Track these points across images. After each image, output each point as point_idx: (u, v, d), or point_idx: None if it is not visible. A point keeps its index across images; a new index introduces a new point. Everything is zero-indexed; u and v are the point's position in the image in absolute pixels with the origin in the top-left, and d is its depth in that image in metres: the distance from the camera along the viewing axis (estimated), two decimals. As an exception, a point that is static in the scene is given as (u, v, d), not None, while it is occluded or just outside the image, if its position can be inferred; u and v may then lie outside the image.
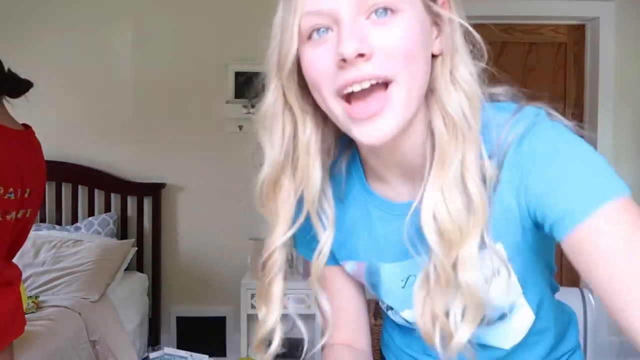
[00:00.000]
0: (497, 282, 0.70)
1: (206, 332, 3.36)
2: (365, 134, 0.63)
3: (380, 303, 0.88)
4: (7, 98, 1.69)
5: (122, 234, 3.33)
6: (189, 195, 3.39)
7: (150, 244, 3.35)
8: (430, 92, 0.66)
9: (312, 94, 0.67)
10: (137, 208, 3.34)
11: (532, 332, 0.80)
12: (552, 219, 0.62)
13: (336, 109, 0.64)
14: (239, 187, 3.65)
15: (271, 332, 0.75)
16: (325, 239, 0.74)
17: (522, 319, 0.78)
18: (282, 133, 0.70)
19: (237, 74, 3.33)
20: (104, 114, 3.38)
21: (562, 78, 3.52)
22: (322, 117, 0.70)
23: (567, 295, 2.83)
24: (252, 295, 3.10)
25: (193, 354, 2.51)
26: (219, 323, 3.34)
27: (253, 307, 3.10)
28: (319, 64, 0.63)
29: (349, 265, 0.82)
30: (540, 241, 0.72)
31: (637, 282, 0.56)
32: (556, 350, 0.85)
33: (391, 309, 0.85)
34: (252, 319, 3.28)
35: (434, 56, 0.66)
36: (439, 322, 0.65)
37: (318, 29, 0.63)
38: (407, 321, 0.84)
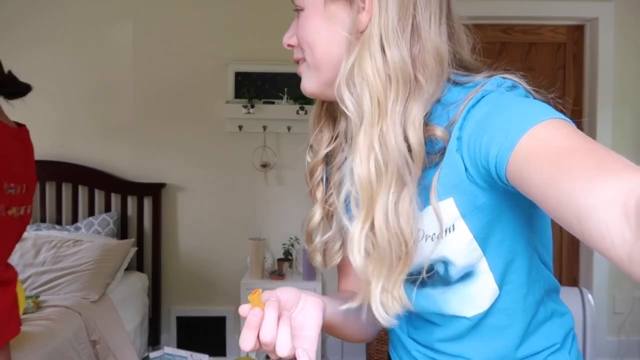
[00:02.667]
0: (452, 237, 0.72)
1: (206, 332, 3.36)
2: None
3: None
4: (6, 99, 1.70)
5: (122, 234, 3.34)
6: (189, 195, 3.39)
7: (150, 244, 3.35)
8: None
9: None
10: (137, 208, 3.35)
11: (498, 310, 0.79)
12: (493, 158, 0.62)
13: None
14: (239, 187, 3.68)
15: (315, 226, 0.86)
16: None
17: (483, 286, 0.77)
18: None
19: (237, 74, 3.33)
20: (104, 114, 3.38)
21: (561, 78, 3.52)
22: None
23: (567, 295, 2.83)
24: (252, 295, 3.10)
25: (193, 353, 2.51)
26: (219, 323, 3.34)
27: (253, 307, 3.10)
28: None
29: None
30: (511, 211, 0.72)
31: (577, 184, 0.50)
32: (529, 341, 0.81)
33: None
34: (252, 318, 3.28)
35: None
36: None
37: None
38: None
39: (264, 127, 3.31)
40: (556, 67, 3.52)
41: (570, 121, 0.61)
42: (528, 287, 0.79)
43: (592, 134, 3.42)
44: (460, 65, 0.77)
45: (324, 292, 3.12)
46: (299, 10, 0.77)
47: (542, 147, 0.56)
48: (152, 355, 2.64)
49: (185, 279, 3.40)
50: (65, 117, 3.36)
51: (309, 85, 0.79)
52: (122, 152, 3.38)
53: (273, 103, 3.28)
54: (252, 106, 3.21)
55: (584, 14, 3.42)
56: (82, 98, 3.38)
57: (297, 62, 0.81)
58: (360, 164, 0.69)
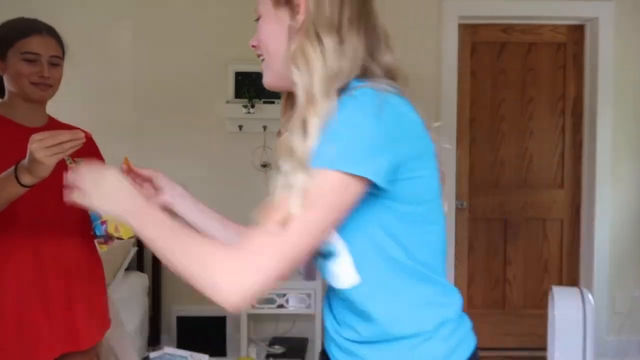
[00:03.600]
0: None
1: (206, 332, 3.36)
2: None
3: None
4: None
5: (122, 234, 3.33)
6: (189, 195, 3.38)
7: (150, 244, 3.35)
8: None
9: None
10: (137, 208, 3.34)
11: (358, 292, 0.91)
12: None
13: None
14: (239, 187, 3.68)
15: None
16: None
17: (343, 268, 0.90)
18: None
19: (237, 74, 3.33)
20: (104, 114, 3.38)
21: (561, 78, 3.52)
22: None
23: (567, 296, 2.85)
24: (252, 295, 3.10)
25: (193, 353, 2.51)
26: (219, 323, 3.34)
27: (253, 306, 3.10)
28: None
29: None
30: (367, 204, 0.85)
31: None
32: (400, 323, 0.91)
33: None
34: (252, 318, 3.28)
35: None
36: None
37: None
38: None
39: (264, 127, 3.31)
40: (556, 67, 3.52)
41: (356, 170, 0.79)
42: (390, 277, 0.89)
43: (592, 134, 3.42)
44: (378, 64, 0.93)
45: (323, 292, 3.12)
46: (259, 18, 0.98)
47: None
48: (152, 355, 2.65)
49: (186, 279, 3.39)
50: (65, 117, 3.35)
51: (267, 78, 1.00)
52: (121, 152, 3.33)
53: (273, 103, 3.28)
54: (252, 106, 3.21)
55: (584, 13, 3.42)
56: (81, 98, 3.38)
57: (260, 58, 1.00)
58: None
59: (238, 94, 3.32)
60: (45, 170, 1.37)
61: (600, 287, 3.37)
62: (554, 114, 3.53)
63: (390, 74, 0.94)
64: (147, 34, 3.38)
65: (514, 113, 3.52)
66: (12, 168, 1.40)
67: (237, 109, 3.25)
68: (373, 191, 0.82)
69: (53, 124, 1.84)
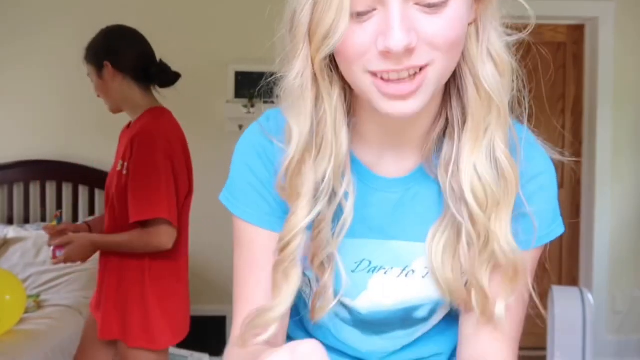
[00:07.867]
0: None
1: (206, 332, 3.36)
2: (396, 110, 0.61)
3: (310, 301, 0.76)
4: (157, 88, 1.88)
5: (123, 233, 3.34)
6: (189, 195, 3.39)
7: (151, 243, 3.35)
8: (462, 59, 0.66)
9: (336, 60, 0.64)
10: (138, 208, 3.34)
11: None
12: (520, 231, 0.70)
13: (364, 83, 0.62)
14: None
15: (272, 322, 0.67)
16: (350, 208, 0.68)
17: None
18: (311, 107, 0.68)
19: (237, 74, 3.34)
20: (105, 113, 3.38)
21: (561, 78, 3.53)
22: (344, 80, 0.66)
23: (567, 295, 2.84)
24: (252, 295, 3.10)
25: (193, 353, 2.51)
26: (219, 323, 3.35)
27: (253, 306, 3.10)
28: (358, 42, 0.59)
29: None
30: None
31: None
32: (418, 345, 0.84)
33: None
34: (252, 318, 3.28)
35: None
36: (475, 288, 0.69)
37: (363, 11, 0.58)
38: (350, 312, 0.76)
39: (264, 127, 3.31)
40: (556, 67, 3.52)
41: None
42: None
43: (592, 133, 3.42)
44: None
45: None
46: (435, 5, 0.58)
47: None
48: (153, 354, 2.64)
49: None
50: (66, 117, 3.36)
51: (423, 101, 0.61)
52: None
53: (273, 102, 3.28)
54: (252, 106, 3.21)
55: (584, 13, 3.42)
56: (82, 97, 3.37)
57: (412, 71, 0.59)
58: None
59: (238, 94, 3.32)
60: None
61: (600, 286, 3.37)
62: (554, 114, 3.53)
63: None
64: (147, 34, 3.37)
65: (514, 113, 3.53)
66: None
67: (237, 108, 3.25)
68: None
69: (138, 122, 2.11)
